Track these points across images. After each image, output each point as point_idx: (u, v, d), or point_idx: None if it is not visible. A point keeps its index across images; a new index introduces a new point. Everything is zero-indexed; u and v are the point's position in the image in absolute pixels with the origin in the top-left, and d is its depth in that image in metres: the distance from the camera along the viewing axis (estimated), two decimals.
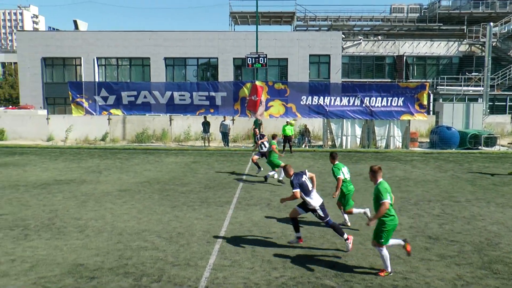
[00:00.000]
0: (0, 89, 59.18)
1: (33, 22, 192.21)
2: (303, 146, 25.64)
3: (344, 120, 24.83)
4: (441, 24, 43.00)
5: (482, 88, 31.38)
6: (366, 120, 24.89)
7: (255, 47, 28.79)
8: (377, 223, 7.26)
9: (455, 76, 38.15)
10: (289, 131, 23.15)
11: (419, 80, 35.65)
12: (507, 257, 8.06)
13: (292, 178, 8.41)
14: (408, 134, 25.03)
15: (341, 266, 7.64)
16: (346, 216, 10.19)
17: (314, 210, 8.34)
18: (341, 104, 24.48)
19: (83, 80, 36.07)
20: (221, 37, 38.84)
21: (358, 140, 25.25)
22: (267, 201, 12.35)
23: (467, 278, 7.21)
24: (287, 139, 23.13)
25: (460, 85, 36.36)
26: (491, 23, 30.76)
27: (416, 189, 14.19)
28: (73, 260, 7.81)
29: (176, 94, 25.14)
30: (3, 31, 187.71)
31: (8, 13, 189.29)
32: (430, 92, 35.10)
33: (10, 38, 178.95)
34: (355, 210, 10.02)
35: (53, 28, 75.29)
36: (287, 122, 23.68)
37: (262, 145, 16.20)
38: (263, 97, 24.62)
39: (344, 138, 25.05)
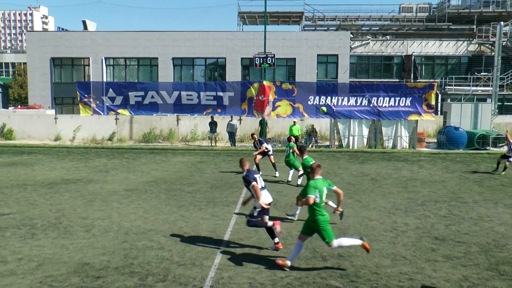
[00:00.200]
0: (9, 89, 59.69)
1: (43, 22, 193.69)
2: (310, 146, 25.60)
3: (351, 120, 24.76)
4: (450, 23, 42.74)
5: (491, 88, 31.17)
6: (373, 120, 24.81)
7: (263, 47, 28.76)
8: (315, 226, 7.36)
9: (463, 76, 37.88)
10: (296, 131, 23.13)
11: (427, 80, 35.43)
12: None
13: (246, 172, 8.42)
14: (415, 134, 24.91)
15: (347, 267, 7.61)
16: (298, 210, 10.37)
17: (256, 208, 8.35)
18: (349, 104, 24.41)
19: (91, 80, 36.30)
20: (229, 37, 38.89)
21: (365, 140, 25.17)
22: (273, 202, 12.31)
23: (473, 279, 7.15)
24: (294, 139, 23.07)
25: (469, 85, 36.10)
26: (502, 22, 30.57)
27: (423, 189, 14.11)
28: (79, 259, 7.85)
29: (183, 94, 25.20)
30: (13, 31, 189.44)
31: (19, 14, 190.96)
32: (438, 92, 34.90)
33: (20, 38, 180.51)
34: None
35: (62, 29, 75.95)
36: (294, 122, 23.66)
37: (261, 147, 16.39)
38: (271, 97, 24.62)
39: (351, 138, 24.98)
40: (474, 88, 35.80)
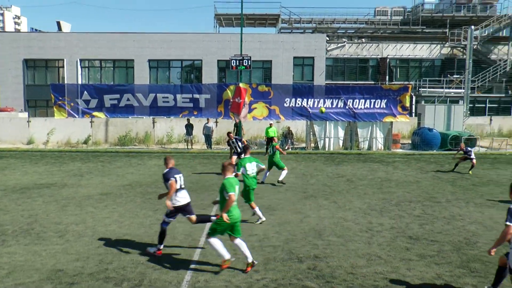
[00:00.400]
0: None
1: (15, 23, 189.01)
2: (286, 148, 25.69)
3: (327, 122, 24.96)
4: (424, 27, 43.49)
5: (463, 90, 31.85)
6: (349, 122, 25.06)
7: (239, 49, 28.76)
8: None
9: (437, 79, 38.61)
10: (272, 133, 23.18)
11: (402, 83, 35.99)
12: (484, 255, 8.18)
13: (168, 170, 8.42)
14: (390, 135, 25.27)
15: (322, 267, 7.68)
16: (258, 211, 10.44)
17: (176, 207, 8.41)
18: (325, 106, 24.59)
19: (65, 83, 35.65)
20: (206, 39, 38.77)
21: (341, 142, 25.41)
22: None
23: (446, 277, 7.32)
24: (270, 141, 23.15)
25: (442, 87, 36.81)
26: (472, 27, 31.28)
27: (398, 190, 14.34)
28: (52, 266, 7.71)
29: (159, 96, 24.95)
30: None
31: None
32: (412, 94, 35.51)
33: None
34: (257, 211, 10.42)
35: (36, 29, 74.35)
36: (270, 124, 23.72)
37: (237, 146, 16.33)
38: (247, 99, 24.63)
39: (327, 140, 25.19)
40: (447, 90, 36.54)
